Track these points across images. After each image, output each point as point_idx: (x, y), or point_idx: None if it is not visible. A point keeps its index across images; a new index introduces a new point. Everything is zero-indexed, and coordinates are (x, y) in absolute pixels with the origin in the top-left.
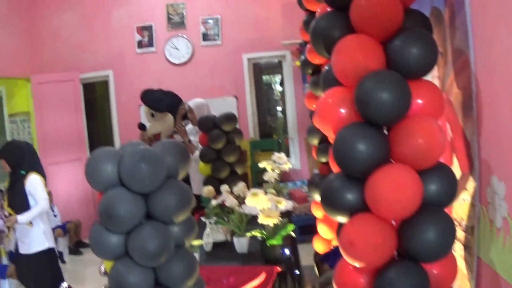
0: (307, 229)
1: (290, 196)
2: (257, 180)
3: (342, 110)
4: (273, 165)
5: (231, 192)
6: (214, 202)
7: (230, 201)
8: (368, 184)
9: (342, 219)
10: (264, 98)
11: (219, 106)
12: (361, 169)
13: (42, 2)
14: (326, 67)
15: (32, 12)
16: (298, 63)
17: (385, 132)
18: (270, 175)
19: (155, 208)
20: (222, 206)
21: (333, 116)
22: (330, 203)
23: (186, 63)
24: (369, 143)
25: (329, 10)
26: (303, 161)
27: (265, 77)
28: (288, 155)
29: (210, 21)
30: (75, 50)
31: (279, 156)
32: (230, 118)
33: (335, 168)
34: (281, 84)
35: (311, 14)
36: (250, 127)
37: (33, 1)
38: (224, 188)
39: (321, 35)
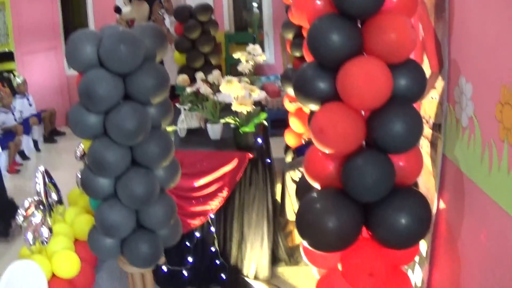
0: (279, 123)
1: (264, 90)
2: (231, 72)
3: (318, 2)
4: (247, 57)
5: (206, 80)
6: (188, 90)
7: (205, 89)
8: (340, 74)
9: (314, 107)
10: None
11: None
12: (334, 59)
13: None
14: None
15: None
16: None
17: (359, 25)
18: (245, 66)
19: (133, 89)
20: (196, 93)
21: (309, 7)
22: (303, 91)
23: None
24: (343, 34)
25: None
26: (277, 55)
27: None
28: (262, 49)
29: None
30: None
31: (254, 48)
32: (206, 8)
33: (308, 58)
34: None
35: None
36: (225, 19)
37: None
38: (199, 75)
39: None
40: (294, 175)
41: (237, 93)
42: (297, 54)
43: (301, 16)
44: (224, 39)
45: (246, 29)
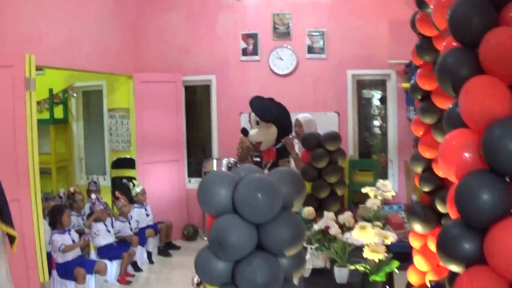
0: (401, 256)
1: (386, 221)
2: (353, 199)
3: (467, 154)
4: (376, 192)
5: (335, 219)
6: (316, 227)
7: (335, 230)
8: (488, 236)
9: (456, 269)
10: (362, 113)
11: (321, 121)
12: (483, 219)
13: (149, 0)
14: (450, 106)
15: (138, 9)
16: (405, 85)
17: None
18: (373, 202)
19: (267, 240)
20: (324, 231)
21: (456, 159)
22: (447, 251)
23: (289, 74)
24: (493, 193)
25: (456, 46)
26: (401, 184)
27: (364, 91)
28: (385, 176)
29: (316, 34)
30: (179, 52)
31: (384, 184)
32: (334, 137)
33: (453, 214)
34: (381, 100)
35: (425, 38)
36: (350, 145)
37: None
38: (330, 215)
39: (448, 73)
40: None
41: (370, 240)
42: (426, 189)
43: (448, 168)
44: (348, 165)
45: (369, 153)
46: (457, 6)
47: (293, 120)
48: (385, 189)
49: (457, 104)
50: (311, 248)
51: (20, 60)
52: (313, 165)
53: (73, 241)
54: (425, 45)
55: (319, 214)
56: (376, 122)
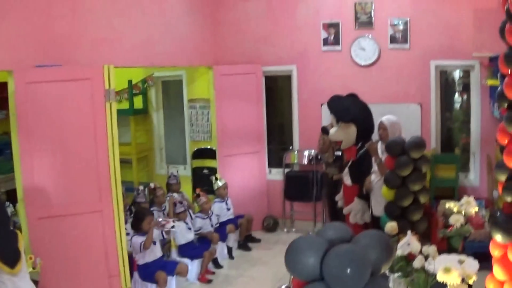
0: (478, 256)
1: (467, 220)
2: (434, 193)
3: None
4: (459, 208)
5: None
6: (399, 252)
7: (419, 262)
8: None
9: None
10: (442, 93)
11: (402, 113)
12: None
13: None
14: None
15: (216, 1)
16: (489, 82)
17: None
18: (456, 219)
19: None
20: (407, 258)
21: None
22: None
23: (371, 65)
24: None
25: None
26: (483, 178)
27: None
28: (467, 169)
29: (399, 23)
30: (258, 42)
31: (468, 201)
32: (419, 145)
33: None
34: (464, 88)
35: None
36: (432, 137)
37: None
38: (414, 247)
39: None
40: None
41: (453, 282)
42: (509, 199)
43: None
44: (431, 159)
45: (451, 144)
46: None
47: (377, 121)
48: (468, 206)
49: None
50: (393, 277)
51: (98, 72)
52: (397, 173)
53: (154, 242)
54: None
55: (401, 224)
56: (457, 98)
